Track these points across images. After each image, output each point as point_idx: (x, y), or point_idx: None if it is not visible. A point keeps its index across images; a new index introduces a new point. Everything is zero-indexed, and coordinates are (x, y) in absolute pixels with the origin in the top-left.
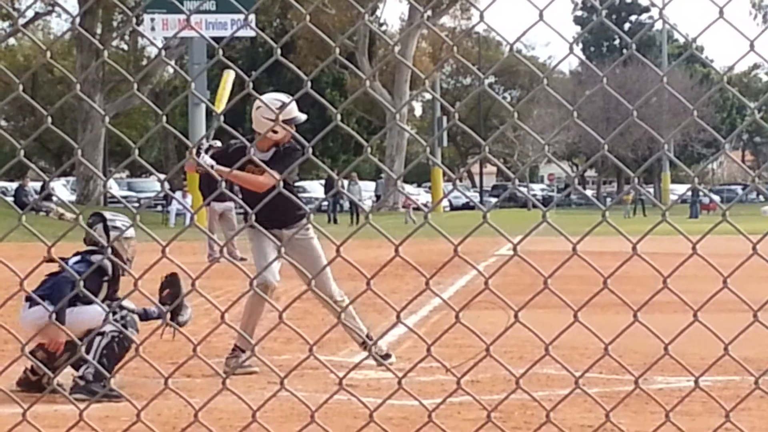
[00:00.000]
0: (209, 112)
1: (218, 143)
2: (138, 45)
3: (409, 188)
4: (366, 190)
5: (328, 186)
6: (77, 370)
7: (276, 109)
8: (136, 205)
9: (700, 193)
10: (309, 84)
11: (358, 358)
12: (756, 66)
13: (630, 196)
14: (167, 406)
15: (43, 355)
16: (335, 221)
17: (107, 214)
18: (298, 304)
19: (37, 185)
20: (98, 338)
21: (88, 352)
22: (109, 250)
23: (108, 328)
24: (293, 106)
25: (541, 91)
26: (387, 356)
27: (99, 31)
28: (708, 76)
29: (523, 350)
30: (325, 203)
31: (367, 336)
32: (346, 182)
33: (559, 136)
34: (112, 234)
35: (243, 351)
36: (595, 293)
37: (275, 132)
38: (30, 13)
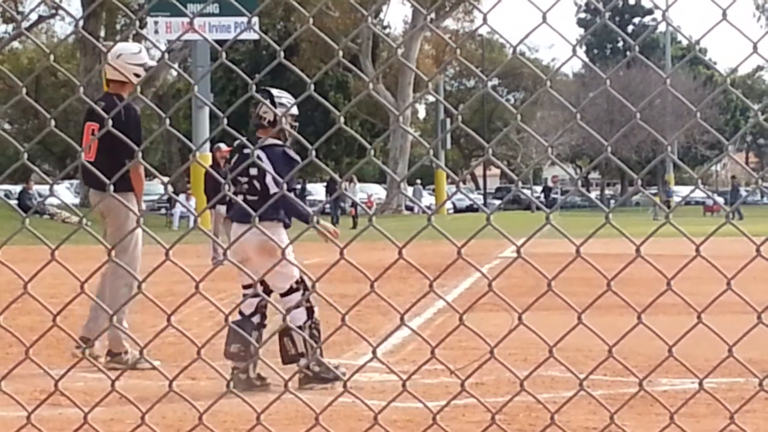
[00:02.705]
0: (213, 115)
1: (224, 146)
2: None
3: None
4: (369, 192)
5: (330, 189)
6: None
7: (136, 54)
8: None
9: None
10: (312, 87)
11: (362, 360)
12: (760, 68)
13: (658, 198)
14: (171, 409)
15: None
16: (337, 222)
17: (274, 91)
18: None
19: (41, 188)
20: (299, 335)
21: (296, 347)
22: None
23: (302, 318)
24: (144, 52)
25: (544, 93)
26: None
27: (102, 34)
28: (711, 78)
29: (527, 352)
30: (328, 205)
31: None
32: (345, 184)
33: (562, 138)
34: (279, 110)
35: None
36: (599, 295)
37: (137, 75)
38: (33, 17)
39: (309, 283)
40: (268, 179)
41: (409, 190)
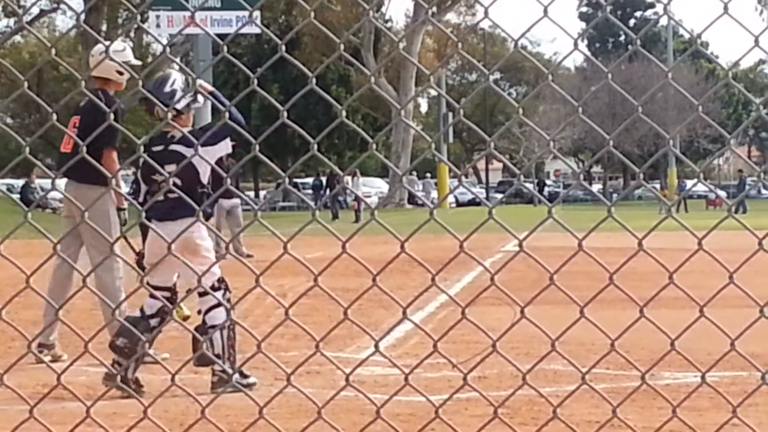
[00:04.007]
0: (214, 109)
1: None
2: (143, 42)
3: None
4: (372, 186)
5: (329, 183)
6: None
7: (119, 52)
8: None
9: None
10: (314, 81)
11: (365, 354)
12: (761, 61)
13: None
14: (174, 402)
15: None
16: (337, 217)
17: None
18: (304, 300)
19: (43, 182)
20: (217, 334)
21: (213, 348)
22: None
23: (221, 318)
24: (128, 50)
25: (546, 87)
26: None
27: (104, 28)
28: (713, 72)
29: (529, 346)
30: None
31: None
32: (348, 178)
33: (564, 132)
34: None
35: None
36: (601, 289)
37: (121, 74)
38: (35, 11)
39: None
40: (199, 168)
41: (419, 184)
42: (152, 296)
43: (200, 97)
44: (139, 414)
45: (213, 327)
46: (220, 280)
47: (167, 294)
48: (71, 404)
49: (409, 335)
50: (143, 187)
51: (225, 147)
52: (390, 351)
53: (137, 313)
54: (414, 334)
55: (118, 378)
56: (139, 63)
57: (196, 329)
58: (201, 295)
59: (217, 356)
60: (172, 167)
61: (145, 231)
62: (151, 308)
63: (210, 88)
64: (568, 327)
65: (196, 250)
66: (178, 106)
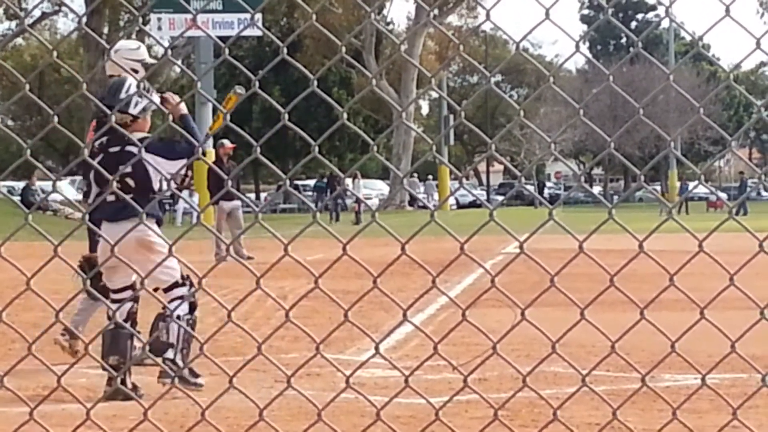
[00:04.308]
0: (215, 111)
1: (227, 142)
2: (145, 44)
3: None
4: (373, 188)
5: (329, 185)
6: (160, 353)
7: (134, 50)
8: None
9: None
10: (316, 83)
11: (365, 356)
12: (763, 64)
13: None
14: (174, 404)
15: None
16: (338, 219)
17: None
18: (305, 302)
19: (44, 184)
20: (175, 325)
21: (168, 337)
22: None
23: (183, 310)
24: (143, 48)
25: (547, 89)
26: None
27: (106, 30)
28: (715, 74)
29: (530, 348)
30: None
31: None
32: (349, 181)
33: (565, 134)
34: (140, 101)
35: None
36: (601, 291)
37: (135, 71)
38: (37, 13)
39: (195, 281)
40: (152, 174)
41: (421, 187)
42: (115, 301)
43: (155, 98)
44: (139, 416)
45: (174, 317)
46: (184, 277)
47: (130, 292)
48: (71, 406)
49: (410, 337)
50: (94, 189)
51: (176, 167)
52: (390, 353)
53: (111, 325)
54: (414, 336)
55: (118, 381)
56: (154, 61)
57: (156, 317)
58: (166, 290)
59: (171, 345)
60: (127, 169)
61: (92, 234)
62: (121, 315)
63: (178, 109)
64: (568, 329)
65: (150, 247)
66: (134, 112)
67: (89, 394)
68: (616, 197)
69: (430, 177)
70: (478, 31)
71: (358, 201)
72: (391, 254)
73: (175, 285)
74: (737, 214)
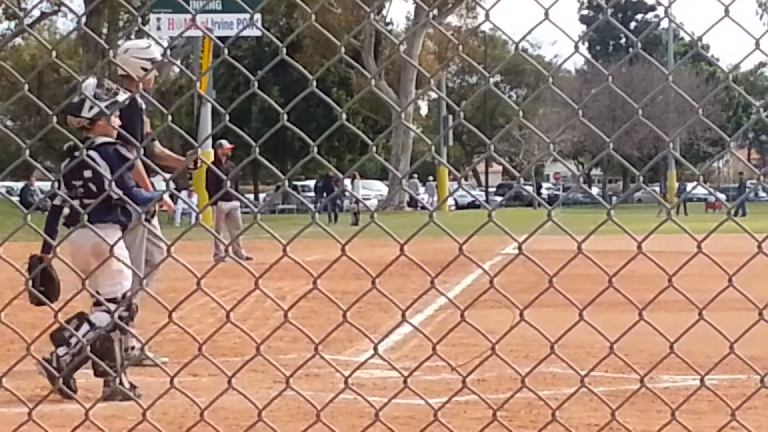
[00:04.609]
0: (215, 112)
1: (225, 143)
2: None
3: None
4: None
5: (326, 186)
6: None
7: (143, 48)
8: None
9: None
10: (315, 83)
11: (364, 357)
12: (762, 64)
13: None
14: (173, 405)
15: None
16: (336, 220)
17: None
18: (303, 303)
19: (43, 185)
20: (86, 327)
21: (71, 336)
22: None
23: (102, 319)
24: (154, 47)
25: (546, 89)
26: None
27: (105, 30)
28: (714, 75)
29: (528, 349)
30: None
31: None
32: (348, 181)
33: (564, 134)
34: (103, 103)
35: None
36: (600, 292)
37: (145, 69)
38: (36, 13)
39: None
40: (107, 183)
41: (421, 188)
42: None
43: (121, 97)
44: (138, 416)
45: (90, 323)
46: (125, 296)
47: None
48: (70, 406)
49: (408, 338)
50: (62, 191)
51: (117, 188)
52: (389, 354)
53: (102, 331)
54: (413, 337)
55: (117, 381)
56: (164, 60)
57: (68, 320)
58: (95, 305)
59: (68, 344)
60: (88, 172)
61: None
62: (104, 320)
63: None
64: (567, 330)
65: (104, 255)
66: (88, 115)
67: (88, 395)
68: (614, 198)
69: (431, 178)
70: (478, 32)
71: (356, 201)
72: (389, 255)
73: (113, 301)
74: (736, 215)
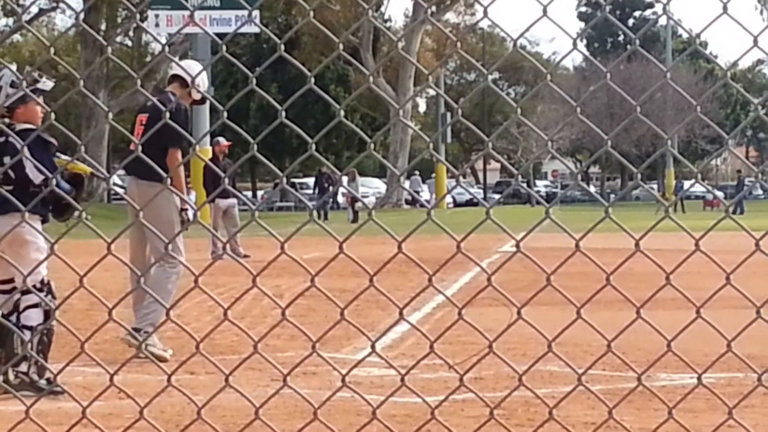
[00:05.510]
0: (212, 109)
1: (223, 140)
2: (142, 41)
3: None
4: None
5: (317, 182)
6: (15, 365)
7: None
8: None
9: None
10: (313, 80)
11: (361, 355)
12: (760, 62)
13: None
14: (170, 403)
15: None
16: (326, 217)
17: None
18: (301, 300)
19: None
20: (28, 333)
21: (22, 344)
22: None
23: (37, 319)
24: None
25: (545, 87)
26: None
27: (103, 27)
28: (712, 72)
29: (526, 347)
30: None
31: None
32: (345, 179)
33: (562, 132)
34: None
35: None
36: (598, 290)
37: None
38: (34, 9)
39: (54, 289)
40: (28, 168)
41: (423, 186)
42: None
43: (44, 84)
44: (135, 414)
45: (26, 327)
46: (44, 282)
47: (13, 285)
48: (67, 404)
49: (406, 336)
50: None
51: (36, 174)
52: (386, 352)
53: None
54: (410, 335)
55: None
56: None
57: (5, 318)
58: (23, 293)
59: (24, 358)
60: (7, 159)
61: None
62: (7, 308)
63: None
64: (564, 328)
65: (23, 245)
66: (6, 103)
67: (86, 393)
68: (612, 196)
69: (434, 176)
70: (476, 29)
71: (354, 199)
72: (387, 252)
73: (32, 289)
74: (734, 212)
